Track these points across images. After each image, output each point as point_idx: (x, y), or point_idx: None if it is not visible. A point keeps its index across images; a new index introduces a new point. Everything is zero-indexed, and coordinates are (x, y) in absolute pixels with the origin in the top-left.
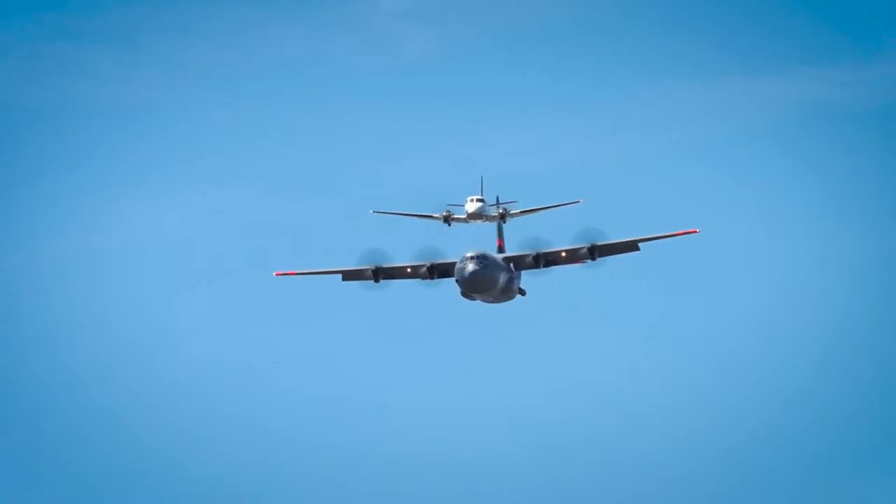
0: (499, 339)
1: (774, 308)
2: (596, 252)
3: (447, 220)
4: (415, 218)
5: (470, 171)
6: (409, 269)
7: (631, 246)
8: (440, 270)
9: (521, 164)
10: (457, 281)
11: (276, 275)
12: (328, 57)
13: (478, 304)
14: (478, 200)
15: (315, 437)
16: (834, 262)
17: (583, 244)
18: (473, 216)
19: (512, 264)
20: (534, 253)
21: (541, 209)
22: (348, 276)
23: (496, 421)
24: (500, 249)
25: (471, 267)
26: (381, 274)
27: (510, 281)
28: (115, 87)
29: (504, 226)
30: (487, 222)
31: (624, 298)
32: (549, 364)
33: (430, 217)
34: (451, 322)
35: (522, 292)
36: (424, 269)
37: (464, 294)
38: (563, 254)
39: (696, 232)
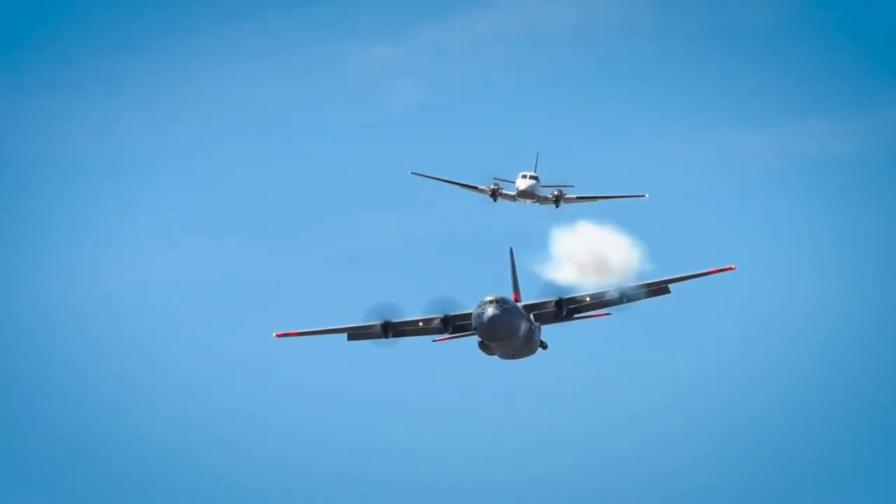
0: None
1: (771, 359)
2: (624, 297)
3: (494, 194)
4: (458, 188)
5: (455, 223)
6: (420, 324)
7: (661, 288)
8: (455, 324)
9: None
10: (475, 328)
11: (277, 336)
12: (315, 108)
13: (495, 360)
14: (531, 177)
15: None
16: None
17: (609, 288)
18: (524, 194)
19: (532, 315)
20: (556, 299)
21: (600, 198)
22: (355, 334)
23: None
24: (517, 300)
25: (490, 311)
26: (390, 329)
27: (531, 331)
28: (96, 137)
29: (557, 208)
30: (539, 204)
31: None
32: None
33: (476, 189)
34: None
35: (544, 345)
36: (438, 321)
37: (482, 344)
38: (588, 299)
39: (732, 268)
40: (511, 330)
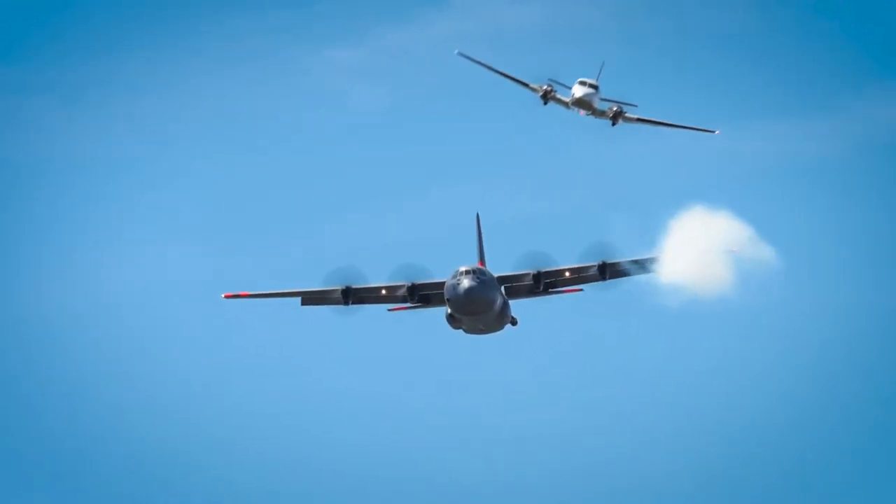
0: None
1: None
2: (607, 272)
3: (546, 96)
4: (507, 81)
5: (420, 229)
6: (384, 291)
7: (648, 265)
8: (422, 294)
9: (473, 218)
10: (447, 300)
11: (225, 297)
12: (276, 113)
13: (461, 334)
14: (590, 85)
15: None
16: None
17: (592, 262)
18: (579, 103)
19: (503, 288)
20: (534, 272)
21: (665, 124)
22: (310, 299)
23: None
24: None
25: (466, 283)
26: (351, 296)
27: (505, 305)
28: (64, 141)
29: (613, 126)
30: (594, 116)
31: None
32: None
33: (527, 86)
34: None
35: (514, 321)
36: (404, 290)
37: (451, 316)
38: (568, 273)
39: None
40: (487, 303)
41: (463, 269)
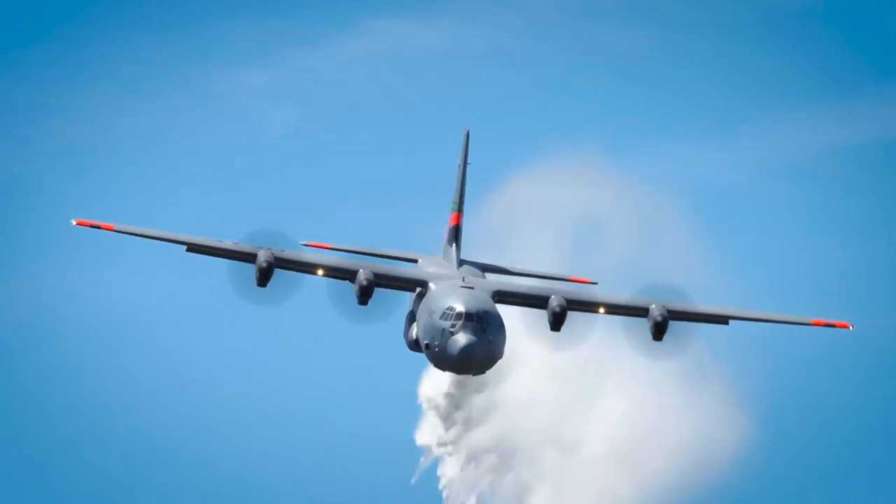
0: None
1: None
2: (666, 322)
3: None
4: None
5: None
6: (320, 271)
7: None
8: (379, 285)
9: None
10: (426, 345)
11: (77, 224)
12: (187, 134)
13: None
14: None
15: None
16: None
17: (648, 302)
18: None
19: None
20: (557, 304)
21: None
22: (199, 248)
23: None
24: (457, 229)
25: (463, 340)
26: (273, 270)
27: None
28: None
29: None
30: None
31: None
32: None
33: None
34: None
35: None
36: (363, 279)
37: (415, 343)
38: (603, 310)
39: (848, 327)
40: (489, 360)
41: (458, 307)
